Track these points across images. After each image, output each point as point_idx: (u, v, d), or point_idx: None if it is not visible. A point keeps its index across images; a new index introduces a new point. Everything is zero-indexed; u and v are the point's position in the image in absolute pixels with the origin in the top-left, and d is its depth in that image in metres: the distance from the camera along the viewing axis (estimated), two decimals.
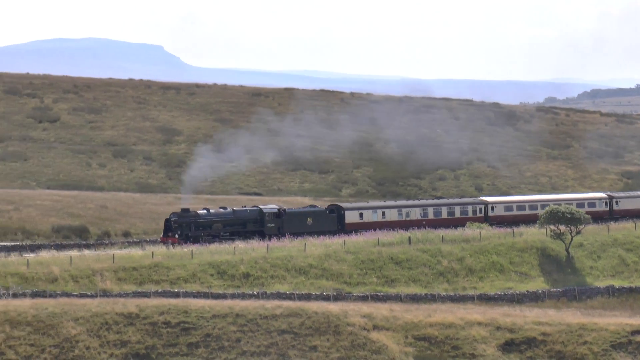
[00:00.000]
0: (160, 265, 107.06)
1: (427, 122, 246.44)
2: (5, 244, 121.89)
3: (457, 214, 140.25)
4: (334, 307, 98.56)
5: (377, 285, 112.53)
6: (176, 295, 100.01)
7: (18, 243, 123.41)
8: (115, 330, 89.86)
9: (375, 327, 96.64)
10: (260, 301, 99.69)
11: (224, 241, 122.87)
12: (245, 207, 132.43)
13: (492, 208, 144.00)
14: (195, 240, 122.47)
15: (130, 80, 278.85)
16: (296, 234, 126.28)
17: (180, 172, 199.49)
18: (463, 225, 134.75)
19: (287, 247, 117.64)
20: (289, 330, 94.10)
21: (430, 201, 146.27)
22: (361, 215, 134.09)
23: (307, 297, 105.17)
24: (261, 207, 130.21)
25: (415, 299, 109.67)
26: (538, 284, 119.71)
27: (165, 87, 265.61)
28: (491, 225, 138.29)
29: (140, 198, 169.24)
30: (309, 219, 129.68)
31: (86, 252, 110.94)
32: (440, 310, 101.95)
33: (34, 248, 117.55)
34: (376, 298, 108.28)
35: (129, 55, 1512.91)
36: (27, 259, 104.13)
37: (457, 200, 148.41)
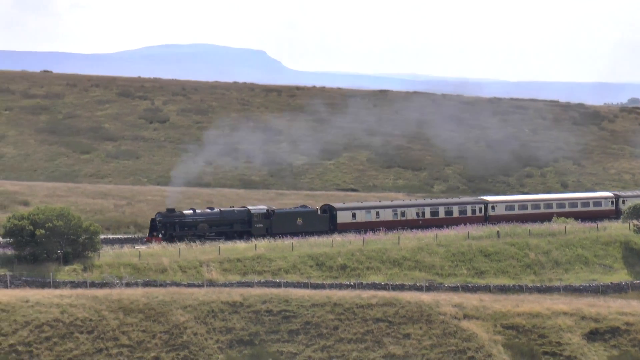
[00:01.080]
0: (263, 257, 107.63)
1: (515, 122, 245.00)
2: (119, 236, 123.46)
3: (456, 214, 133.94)
4: (426, 297, 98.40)
5: (467, 277, 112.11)
6: (278, 285, 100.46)
7: (130, 236, 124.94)
8: (221, 318, 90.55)
9: (466, 316, 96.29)
10: (356, 291, 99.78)
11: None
12: (233, 207, 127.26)
13: (493, 207, 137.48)
14: (180, 240, 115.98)
15: (235, 83, 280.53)
16: (285, 234, 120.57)
17: (281, 170, 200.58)
18: (463, 224, 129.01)
19: (382, 240, 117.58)
20: (384, 318, 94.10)
21: (427, 201, 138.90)
22: (354, 215, 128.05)
23: (401, 287, 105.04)
24: (249, 207, 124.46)
25: (503, 289, 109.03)
26: (621, 276, 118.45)
27: (267, 90, 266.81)
28: (491, 224, 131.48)
29: (244, 194, 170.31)
30: (298, 219, 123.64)
31: (193, 244, 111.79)
32: (528, 301, 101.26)
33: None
34: (466, 289, 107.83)
35: (234, 59, 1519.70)
36: (139, 251, 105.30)
37: (455, 200, 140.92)
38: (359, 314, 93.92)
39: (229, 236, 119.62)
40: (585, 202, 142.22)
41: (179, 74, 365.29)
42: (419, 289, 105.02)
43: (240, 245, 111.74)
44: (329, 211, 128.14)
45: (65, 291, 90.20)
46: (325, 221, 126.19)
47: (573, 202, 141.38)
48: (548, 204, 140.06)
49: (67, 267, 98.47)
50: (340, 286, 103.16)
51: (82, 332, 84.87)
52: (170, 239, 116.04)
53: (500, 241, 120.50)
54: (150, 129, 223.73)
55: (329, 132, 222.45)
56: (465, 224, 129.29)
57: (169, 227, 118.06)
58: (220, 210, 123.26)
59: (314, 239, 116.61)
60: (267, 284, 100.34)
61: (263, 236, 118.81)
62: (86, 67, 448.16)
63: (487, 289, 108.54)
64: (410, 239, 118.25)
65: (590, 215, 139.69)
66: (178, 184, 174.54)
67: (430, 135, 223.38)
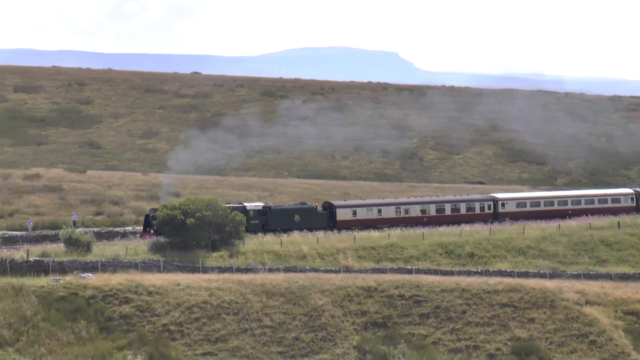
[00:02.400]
0: (395, 246, 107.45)
1: (636, 118, 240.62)
2: None
3: (463, 211, 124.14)
4: (549, 284, 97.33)
5: (589, 265, 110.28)
6: (409, 271, 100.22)
7: None
8: (357, 302, 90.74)
9: (588, 302, 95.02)
10: (483, 278, 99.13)
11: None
12: (229, 203, 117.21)
13: (503, 205, 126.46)
14: None
15: (369, 82, 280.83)
16: (282, 230, 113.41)
17: (413, 164, 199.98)
18: (471, 222, 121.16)
19: (507, 230, 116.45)
20: (509, 304, 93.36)
21: (432, 198, 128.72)
22: (354, 212, 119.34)
23: (525, 274, 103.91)
24: (245, 204, 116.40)
25: (624, 277, 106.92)
26: None
27: (400, 89, 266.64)
28: (501, 221, 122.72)
29: (378, 186, 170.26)
30: (296, 216, 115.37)
31: (329, 233, 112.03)
32: None
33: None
34: (588, 276, 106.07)
35: (368, 61, 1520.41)
36: (281, 239, 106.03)
37: (464, 197, 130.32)
38: (486, 299, 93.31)
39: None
40: (602, 199, 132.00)
41: (317, 75, 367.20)
42: (542, 276, 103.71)
43: (374, 234, 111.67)
44: (329, 208, 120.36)
45: (213, 276, 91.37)
46: (324, 218, 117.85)
47: (589, 199, 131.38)
48: (562, 201, 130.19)
49: (214, 254, 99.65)
50: (468, 273, 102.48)
51: (228, 314, 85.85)
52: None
53: (621, 231, 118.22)
54: (290, 126, 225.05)
55: (457, 129, 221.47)
56: (473, 222, 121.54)
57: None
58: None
59: (442, 229, 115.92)
60: (399, 271, 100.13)
61: (259, 232, 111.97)
62: (232, 69, 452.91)
63: (608, 276, 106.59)
64: (534, 228, 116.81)
65: (608, 212, 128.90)
66: (317, 177, 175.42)
67: (553, 131, 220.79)
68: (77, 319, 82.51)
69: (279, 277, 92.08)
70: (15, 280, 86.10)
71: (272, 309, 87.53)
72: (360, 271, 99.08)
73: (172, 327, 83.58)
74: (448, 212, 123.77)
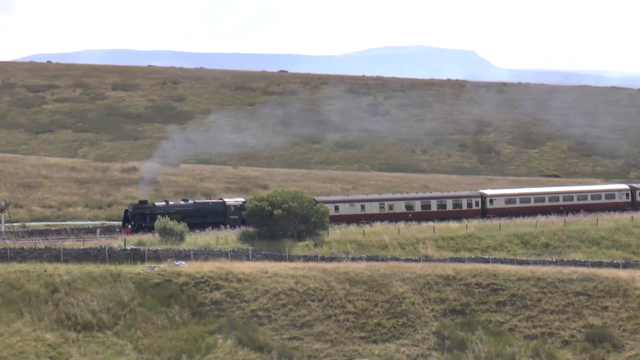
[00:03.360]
0: (473, 236, 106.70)
1: None
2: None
3: (449, 207, 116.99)
4: (623, 273, 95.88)
5: None
6: (486, 261, 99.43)
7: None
8: (436, 290, 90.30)
9: None
10: (558, 267, 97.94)
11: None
12: (209, 199, 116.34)
13: (491, 201, 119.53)
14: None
15: (448, 80, 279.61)
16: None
17: (490, 157, 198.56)
18: (457, 219, 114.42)
19: (582, 221, 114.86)
20: (583, 292, 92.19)
21: (418, 194, 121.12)
22: (337, 208, 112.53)
23: (599, 264, 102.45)
24: (225, 199, 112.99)
25: None
26: None
27: (477, 86, 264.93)
28: (489, 218, 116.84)
29: (456, 179, 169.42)
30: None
31: (411, 224, 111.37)
32: None
33: (369, 219, 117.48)
34: None
35: (447, 59, 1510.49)
36: (364, 230, 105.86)
37: (450, 193, 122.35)
38: (561, 288, 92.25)
39: (203, 227, 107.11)
40: (596, 195, 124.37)
41: (398, 73, 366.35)
42: (616, 266, 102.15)
43: (453, 225, 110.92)
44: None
45: (299, 264, 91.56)
46: None
47: (582, 195, 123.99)
48: (554, 197, 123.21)
49: (300, 243, 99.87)
50: (543, 262, 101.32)
51: (313, 300, 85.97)
52: (140, 229, 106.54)
53: None
54: (372, 122, 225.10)
55: (532, 123, 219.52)
56: (460, 218, 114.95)
57: (139, 218, 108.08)
58: (194, 202, 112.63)
59: (519, 220, 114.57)
60: (476, 260, 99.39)
61: (238, 227, 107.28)
62: (317, 67, 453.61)
63: None
64: (607, 220, 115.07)
65: (602, 208, 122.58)
66: (397, 170, 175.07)
67: (625, 125, 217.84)
68: (171, 304, 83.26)
69: (361, 266, 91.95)
70: (113, 268, 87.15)
71: (355, 296, 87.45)
72: (439, 260, 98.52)
73: (260, 313, 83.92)
74: (434, 208, 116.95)
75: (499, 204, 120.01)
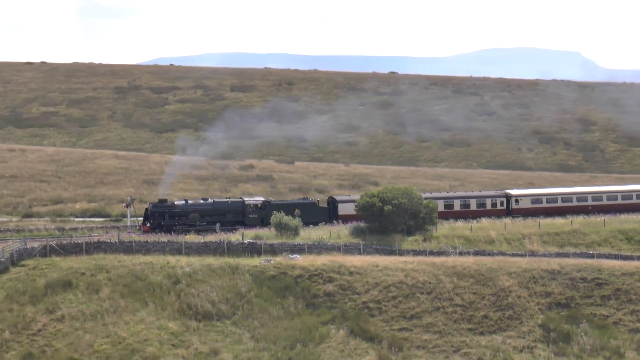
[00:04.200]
0: (578, 232, 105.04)
1: None
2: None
3: (473, 207, 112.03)
4: None
5: None
6: (590, 256, 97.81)
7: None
8: (541, 284, 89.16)
9: None
10: None
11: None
12: (229, 198, 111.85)
13: (517, 201, 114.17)
14: (168, 229, 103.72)
15: (553, 80, 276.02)
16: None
17: (595, 155, 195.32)
18: (482, 218, 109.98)
19: None
20: None
21: (442, 194, 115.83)
22: (356, 207, 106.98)
23: None
24: (244, 198, 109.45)
25: None
26: None
27: (582, 86, 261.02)
28: (514, 218, 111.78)
29: (561, 177, 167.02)
30: (296, 211, 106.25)
31: (484, 220, 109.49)
32: None
33: (475, 216, 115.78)
34: None
35: (552, 60, 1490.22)
36: (471, 225, 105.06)
37: (475, 193, 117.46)
38: None
39: (222, 226, 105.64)
40: (627, 195, 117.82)
41: (505, 74, 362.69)
42: None
43: (558, 221, 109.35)
44: (332, 203, 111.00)
45: (408, 258, 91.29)
46: (325, 213, 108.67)
47: (612, 195, 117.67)
48: (582, 197, 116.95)
49: (409, 238, 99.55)
50: None
51: (422, 293, 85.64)
52: (158, 228, 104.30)
53: None
54: (479, 121, 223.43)
55: (637, 122, 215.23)
56: (484, 218, 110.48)
57: (158, 216, 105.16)
58: (213, 200, 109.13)
59: (624, 216, 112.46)
60: (581, 255, 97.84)
61: (257, 226, 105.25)
62: (426, 68, 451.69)
63: None
64: None
65: (632, 208, 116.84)
66: (503, 168, 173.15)
67: None
68: (286, 295, 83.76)
69: (468, 260, 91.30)
70: (231, 260, 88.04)
71: (463, 289, 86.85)
72: (544, 255, 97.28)
73: (371, 305, 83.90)
74: (457, 207, 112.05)
75: (525, 204, 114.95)
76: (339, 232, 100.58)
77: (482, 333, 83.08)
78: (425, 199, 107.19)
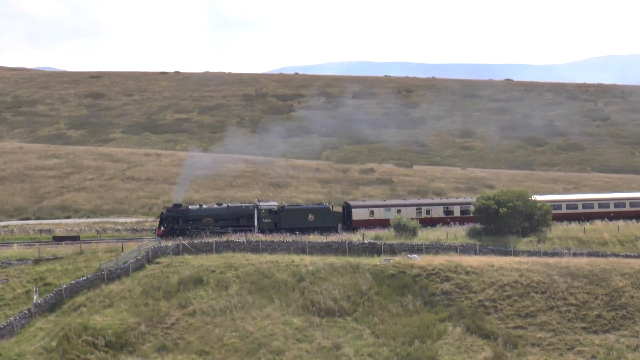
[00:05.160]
0: None
1: None
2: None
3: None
4: None
5: None
6: None
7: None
8: None
9: None
10: None
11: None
12: (243, 203, 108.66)
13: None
14: (182, 233, 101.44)
15: None
16: (295, 229, 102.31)
17: None
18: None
19: None
20: None
21: (458, 199, 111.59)
22: (372, 212, 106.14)
23: None
24: (259, 203, 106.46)
25: None
26: None
27: None
28: None
29: None
30: (310, 215, 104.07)
31: (630, 222, 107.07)
32: None
33: (589, 218, 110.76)
34: None
35: None
36: (584, 227, 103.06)
37: None
38: None
39: (236, 230, 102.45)
40: (635, 202, 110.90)
41: (619, 80, 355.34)
42: None
43: None
44: (346, 208, 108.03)
45: (523, 258, 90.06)
46: (338, 218, 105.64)
47: (620, 202, 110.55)
48: (604, 203, 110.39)
49: (524, 239, 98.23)
50: None
51: (536, 292, 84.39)
52: (172, 232, 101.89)
53: None
54: (593, 126, 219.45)
55: None
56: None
57: (172, 220, 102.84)
58: (227, 205, 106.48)
59: None
60: None
61: (271, 231, 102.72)
62: (540, 76, 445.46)
63: None
64: None
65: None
66: (616, 172, 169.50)
67: None
68: (404, 293, 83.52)
69: (582, 261, 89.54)
70: (352, 260, 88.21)
71: (576, 289, 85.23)
72: None
73: (486, 303, 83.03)
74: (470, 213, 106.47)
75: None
76: (456, 233, 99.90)
77: (595, 332, 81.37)
78: (442, 204, 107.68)
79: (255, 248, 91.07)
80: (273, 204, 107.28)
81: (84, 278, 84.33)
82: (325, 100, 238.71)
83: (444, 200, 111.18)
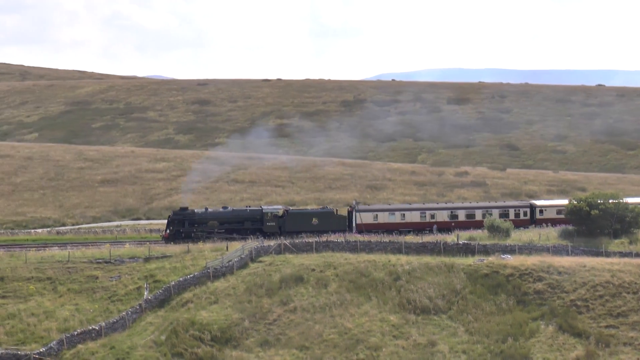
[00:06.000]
0: None
1: None
2: None
3: (495, 217, 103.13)
4: None
5: None
6: None
7: None
8: None
9: None
10: None
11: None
12: (248, 207, 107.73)
13: (541, 211, 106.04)
14: (187, 236, 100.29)
15: None
16: (299, 232, 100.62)
17: None
18: None
19: None
20: None
21: (463, 204, 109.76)
22: (376, 216, 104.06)
23: None
24: (263, 207, 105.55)
25: None
26: None
27: None
28: (538, 228, 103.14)
29: None
30: (314, 219, 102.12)
31: None
32: None
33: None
34: None
35: None
36: None
37: (498, 203, 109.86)
38: None
39: (240, 234, 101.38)
40: None
41: None
42: None
43: None
44: (350, 212, 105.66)
45: (615, 259, 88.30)
46: (342, 221, 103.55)
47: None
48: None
49: (616, 240, 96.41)
50: None
51: (628, 292, 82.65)
52: (178, 234, 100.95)
53: None
54: None
55: None
56: None
57: (177, 223, 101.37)
58: (232, 209, 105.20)
59: None
60: None
61: (275, 234, 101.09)
62: (632, 81, 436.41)
63: None
64: None
65: None
66: None
67: None
68: (497, 292, 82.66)
69: None
70: (447, 259, 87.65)
71: None
72: None
73: (578, 303, 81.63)
74: (479, 217, 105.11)
75: (550, 214, 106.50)
76: (548, 234, 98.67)
77: None
78: (447, 208, 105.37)
79: (353, 248, 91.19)
80: (278, 207, 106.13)
81: (191, 276, 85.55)
82: (421, 106, 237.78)
83: (449, 205, 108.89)
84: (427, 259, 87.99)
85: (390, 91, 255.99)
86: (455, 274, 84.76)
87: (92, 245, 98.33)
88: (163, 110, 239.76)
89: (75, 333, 78.52)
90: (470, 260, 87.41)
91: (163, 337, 77.65)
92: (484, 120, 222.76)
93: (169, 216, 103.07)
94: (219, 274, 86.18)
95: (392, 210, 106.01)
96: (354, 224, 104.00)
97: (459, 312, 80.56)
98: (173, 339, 77.21)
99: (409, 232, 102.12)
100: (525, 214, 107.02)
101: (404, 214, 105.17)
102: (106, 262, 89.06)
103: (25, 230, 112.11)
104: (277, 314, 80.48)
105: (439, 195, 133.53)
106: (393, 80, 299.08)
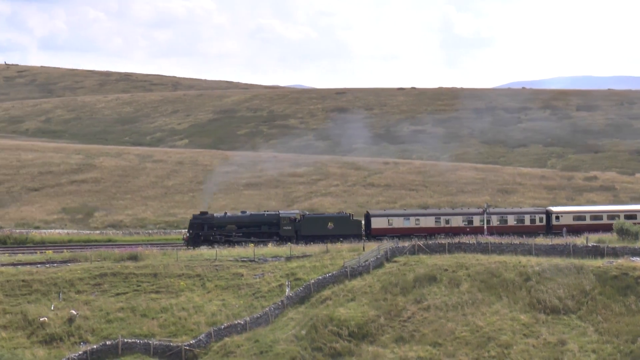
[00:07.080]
0: None
1: None
2: None
3: (511, 222, 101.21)
4: None
5: None
6: None
7: None
8: None
9: None
10: None
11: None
12: (265, 212, 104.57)
13: (557, 218, 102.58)
14: (206, 239, 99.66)
15: None
16: (315, 237, 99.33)
17: None
18: (519, 234, 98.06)
19: None
20: None
21: (479, 209, 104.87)
22: (390, 221, 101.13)
23: None
24: (280, 212, 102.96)
25: None
26: None
27: None
28: (554, 234, 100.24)
29: None
30: (330, 224, 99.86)
31: None
32: None
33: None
34: None
35: None
36: None
37: (514, 209, 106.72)
38: None
39: (258, 237, 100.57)
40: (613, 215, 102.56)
41: None
42: None
43: None
44: (366, 217, 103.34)
45: None
46: (358, 226, 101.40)
47: (614, 214, 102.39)
48: (632, 214, 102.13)
49: None
50: None
51: None
52: (197, 237, 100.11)
53: None
54: None
55: None
56: (522, 234, 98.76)
57: (196, 227, 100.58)
58: (250, 213, 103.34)
59: None
60: None
61: (291, 238, 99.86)
62: None
63: None
64: None
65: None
66: None
67: None
68: (627, 294, 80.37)
69: None
70: (576, 261, 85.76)
71: None
72: None
73: None
74: (495, 223, 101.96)
75: (566, 220, 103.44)
76: None
77: None
78: (462, 214, 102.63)
79: (484, 249, 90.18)
80: (295, 212, 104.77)
81: (330, 274, 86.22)
82: (551, 113, 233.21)
83: (465, 210, 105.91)
84: (557, 260, 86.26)
85: (520, 99, 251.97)
86: (584, 276, 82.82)
87: (236, 244, 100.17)
88: (304, 117, 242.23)
89: (222, 327, 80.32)
90: (599, 262, 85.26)
91: (303, 332, 78.52)
92: (613, 126, 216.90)
93: (190, 220, 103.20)
94: (355, 273, 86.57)
95: (406, 216, 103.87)
96: (370, 229, 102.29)
97: (589, 313, 78.71)
98: (313, 334, 77.99)
99: (424, 237, 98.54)
100: (541, 219, 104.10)
101: (418, 219, 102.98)
102: (250, 261, 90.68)
103: (177, 230, 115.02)
104: (411, 312, 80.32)
105: (568, 199, 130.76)
106: (523, 88, 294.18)
